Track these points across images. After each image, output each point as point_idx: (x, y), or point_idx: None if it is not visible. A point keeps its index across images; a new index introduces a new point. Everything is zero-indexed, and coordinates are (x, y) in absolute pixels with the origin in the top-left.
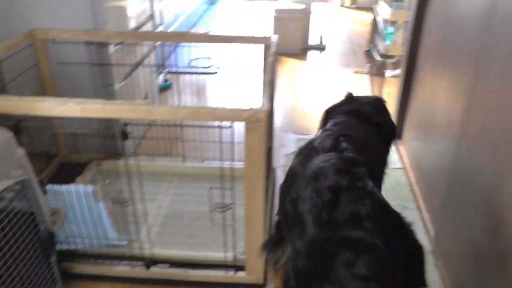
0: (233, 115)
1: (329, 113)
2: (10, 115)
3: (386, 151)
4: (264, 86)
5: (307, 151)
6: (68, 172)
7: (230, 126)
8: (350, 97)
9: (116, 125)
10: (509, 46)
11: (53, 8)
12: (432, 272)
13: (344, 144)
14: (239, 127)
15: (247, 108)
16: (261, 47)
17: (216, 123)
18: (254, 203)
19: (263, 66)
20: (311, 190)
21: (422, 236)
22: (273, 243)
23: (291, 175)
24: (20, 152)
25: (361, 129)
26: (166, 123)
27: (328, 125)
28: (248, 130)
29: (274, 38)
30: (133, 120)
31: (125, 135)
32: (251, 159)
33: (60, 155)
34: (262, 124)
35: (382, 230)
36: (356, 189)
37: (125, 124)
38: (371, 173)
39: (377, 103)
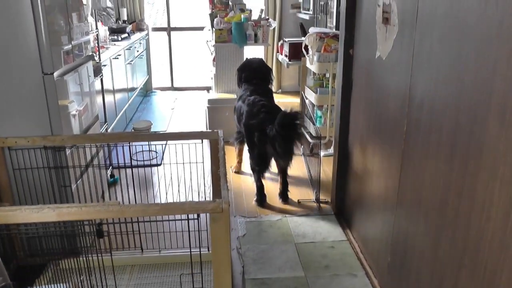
0: (200, 207)
1: (241, 73)
2: None
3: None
4: (221, 178)
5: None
6: (26, 275)
7: (197, 218)
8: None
9: (74, 224)
10: (427, 129)
11: (10, 115)
12: None
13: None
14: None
15: (211, 200)
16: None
17: (184, 216)
18: (223, 285)
19: (211, 158)
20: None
21: None
22: (239, 140)
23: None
24: None
25: (259, 88)
26: (125, 220)
27: (244, 89)
28: (212, 220)
29: (221, 132)
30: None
31: (100, 234)
32: (217, 246)
33: (16, 259)
34: (226, 213)
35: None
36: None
37: (100, 224)
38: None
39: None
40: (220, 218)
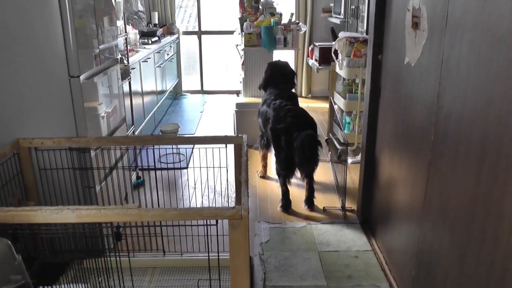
0: (218, 213)
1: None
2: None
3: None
4: (243, 184)
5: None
6: (49, 273)
7: (215, 224)
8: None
9: (98, 226)
10: (455, 140)
11: (37, 116)
12: None
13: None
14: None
15: (230, 207)
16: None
17: (202, 221)
18: None
19: (234, 163)
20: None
21: None
22: (263, 144)
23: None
24: (19, 258)
25: (284, 92)
26: (148, 224)
27: (268, 93)
28: (231, 227)
29: (245, 137)
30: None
31: (119, 237)
32: (236, 253)
33: (40, 257)
34: (245, 220)
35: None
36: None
37: (118, 227)
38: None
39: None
40: (239, 225)
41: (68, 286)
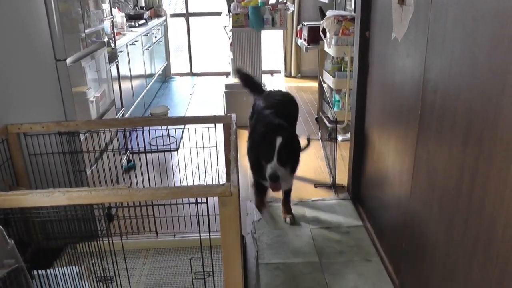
0: (208, 191)
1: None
2: None
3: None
4: (232, 162)
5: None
6: (44, 258)
7: (206, 202)
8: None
9: (90, 210)
10: (441, 113)
11: (24, 102)
12: None
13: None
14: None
15: (219, 184)
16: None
17: (193, 199)
18: (232, 270)
19: (224, 143)
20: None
21: (389, 285)
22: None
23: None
24: (11, 242)
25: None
26: (140, 204)
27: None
28: (221, 204)
29: (234, 117)
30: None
31: (110, 217)
32: (227, 230)
33: (34, 242)
34: (235, 198)
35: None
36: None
37: (109, 208)
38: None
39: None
40: (229, 202)
41: (62, 269)
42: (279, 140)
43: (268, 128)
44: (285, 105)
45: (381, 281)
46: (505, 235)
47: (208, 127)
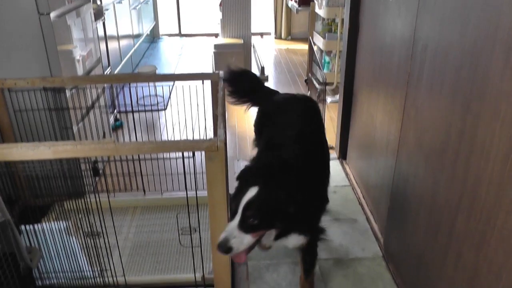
0: (194, 145)
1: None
2: None
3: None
4: (219, 117)
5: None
6: (31, 216)
7: (192, 156)
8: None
9: (76, 166)
10: (431, 70)
11: (9, 57)
12: (385, 274)
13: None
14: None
15: (206, 139)
16: (207, 82)
17: (179, 154)
18: (219, 225)
19: (212, 100)
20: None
21: (373, 243)
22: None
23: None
24: None
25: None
26: (126, 158)
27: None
28: (208, 159)
29: (221, 73)
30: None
31: (96, 172)
32: (213, 186)
33: (21, 199)
34: (221, 152)
35: None
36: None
37: (95, 162)
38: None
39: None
40: (215, 157)
41: (50, 224)
42: (251, 192)
43: (245, 170)
44: (303, 121)
45: (366, 239)
46: (490, 191)
47: (196, 85)
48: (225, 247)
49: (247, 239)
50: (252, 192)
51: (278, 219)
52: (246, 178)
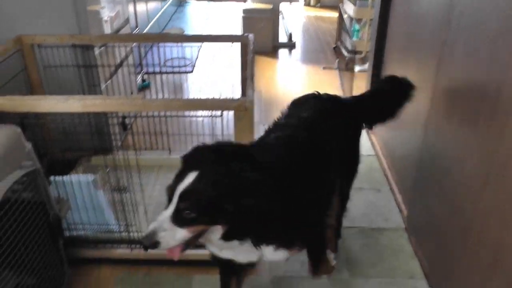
0: (223, 104)
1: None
2: (14, 113)
3: None
4: (248, 79)
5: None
6: (60, 168)
7: (221, 115)
8: None
9: (104, 123)
10: (467, 38)
11: (39, 15)
12: (406, 247)
13: None
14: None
15: (235, 99)
16: (236, 46)
17: (208, 113)
18: None
19: (240, 63)
20: None
21: (396, 215)
22: None
23: None
24: (29, 145)
25: None
26: (153, 115)
27: None
28: (237, 119)
29: (251, 37)
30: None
31: (124, 127)
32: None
33: (49, 153)
34: (250, 112)
35: None
36: None
37: (124, 117)
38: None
39: None
40: (243, 117)
41: (78, 177)
42: (190, 178)
43: (195, 149)
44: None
45: (389, 210)
46: None
47: (225, 47)
48: (150, 241)
49: (181, 234)
50: (191, 177)
51: (221, 214)
52: (192, 159)
